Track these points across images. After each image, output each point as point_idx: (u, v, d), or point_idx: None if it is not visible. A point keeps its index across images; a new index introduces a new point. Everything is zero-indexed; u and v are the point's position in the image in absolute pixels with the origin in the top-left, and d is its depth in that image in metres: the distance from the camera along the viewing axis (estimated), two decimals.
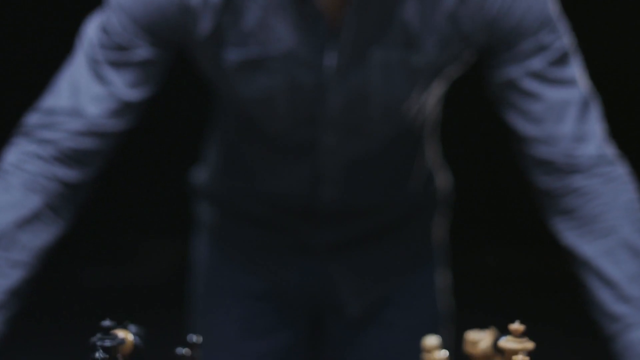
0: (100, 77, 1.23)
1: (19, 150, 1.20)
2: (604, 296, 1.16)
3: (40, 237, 1.16)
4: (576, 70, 1.27)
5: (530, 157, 1.26)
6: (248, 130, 1.36)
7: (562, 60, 1.25)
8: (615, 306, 1.14)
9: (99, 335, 0.80)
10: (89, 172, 1.23)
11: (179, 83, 1.98)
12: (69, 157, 1.21)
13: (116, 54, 1.24)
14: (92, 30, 1.25)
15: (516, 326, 0.85)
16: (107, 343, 0.80)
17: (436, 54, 1.25)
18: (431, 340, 1.01)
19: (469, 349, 0.99)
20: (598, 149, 1.23)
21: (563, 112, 1.24)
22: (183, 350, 0.89)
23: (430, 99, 1.36)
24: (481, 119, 2.08)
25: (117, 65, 1.23)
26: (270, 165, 1.36)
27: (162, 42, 1.24)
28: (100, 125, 1.23)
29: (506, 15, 1.23)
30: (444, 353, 0.96)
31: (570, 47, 1.28)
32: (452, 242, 1.53)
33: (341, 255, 1.39)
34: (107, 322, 0.82)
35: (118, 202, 2.47)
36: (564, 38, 1.25)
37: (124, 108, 1.24)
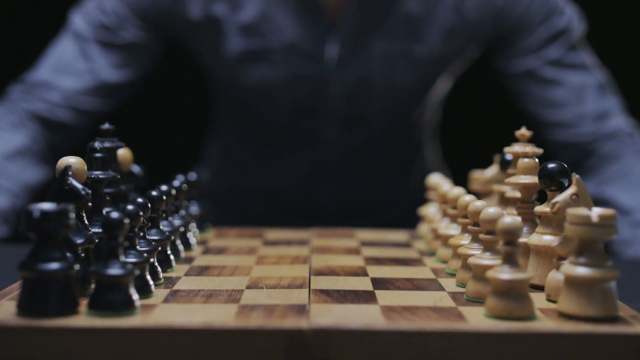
0: (85, 55, 1.26)
1: (3, 106, 1.26)
2: (619, 225, 1.19)
3: (27, 172, 1.20)
4: (588, 51, 1.30)
5: (555, 142, 1.29)
6: (248, 123, 1.36)
7: (576, 43, 1.27)
8: (630, 231, 1.17)
9: (98, 138, 0.78)
10: (65, 141, 1.28)
11: (180, 83, 1.97)
12: (46, 123, 1.26)
13: (105, 33, 1.27)
14: (84, 9, 1.28)
15: (522, 131, 0.79)
16: (107, 144, 0.78)
17: (440, 45, 1.25)
18: (435, 177, 1.00)
19: (474, 186, 0.94)
20: (617, 122, 1.26)
21: (583, 93, 1.26)
22: (182, 185, 0.88)
23: (433, 97, 1.36)
24: (482, 120, 2.07)
25: (104, 44, 1.26)
26: (270, 160, 1.36)
27: (152, 27, 1.28)
28: (77, 100, 1.26)
29: (513, 4, 1.24)
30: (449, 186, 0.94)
31: (580, 25, 1.30)
32: None
33: None
34: (106, 125, 0.79)
35: None
36: (573, 19, 1.28)
37: (103, 88, 1.27)
